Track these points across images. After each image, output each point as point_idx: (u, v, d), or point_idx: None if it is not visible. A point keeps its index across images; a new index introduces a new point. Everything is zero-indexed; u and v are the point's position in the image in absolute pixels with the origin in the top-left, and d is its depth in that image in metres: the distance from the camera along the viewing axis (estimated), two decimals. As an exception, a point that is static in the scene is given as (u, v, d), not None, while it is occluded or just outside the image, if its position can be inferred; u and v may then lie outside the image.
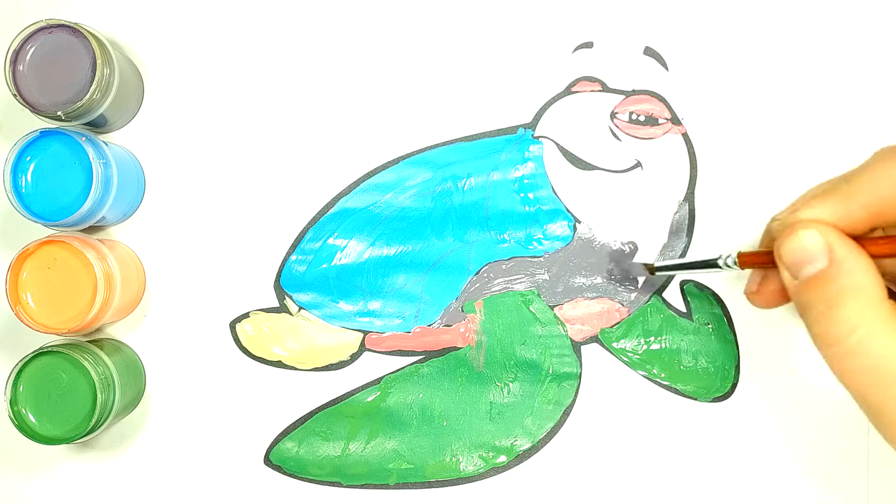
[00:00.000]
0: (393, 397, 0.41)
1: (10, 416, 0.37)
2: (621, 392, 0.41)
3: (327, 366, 0.41)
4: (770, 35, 0.41)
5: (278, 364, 0.41)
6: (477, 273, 0.41)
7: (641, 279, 0.40)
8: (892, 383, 0.26)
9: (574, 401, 0.41)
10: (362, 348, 0.41)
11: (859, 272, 0.27)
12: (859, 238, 0.29)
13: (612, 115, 0.41)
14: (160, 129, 0.42)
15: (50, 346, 0.37)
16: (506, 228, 0.41)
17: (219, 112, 0.42)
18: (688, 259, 0.40)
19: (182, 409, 0.41)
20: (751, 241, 0.40)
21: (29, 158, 0.37)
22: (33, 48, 0.37)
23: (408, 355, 0.41)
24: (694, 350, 0.41)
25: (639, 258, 0.40)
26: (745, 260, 0.34)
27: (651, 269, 0.39)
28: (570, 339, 0.41)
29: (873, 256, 0.28)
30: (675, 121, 0.41)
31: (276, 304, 0.41)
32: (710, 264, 0.35)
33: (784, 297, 0.34)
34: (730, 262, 0.34)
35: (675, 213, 0.41)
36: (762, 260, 0.33)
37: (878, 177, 0.28)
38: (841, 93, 0.41)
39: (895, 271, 0.32)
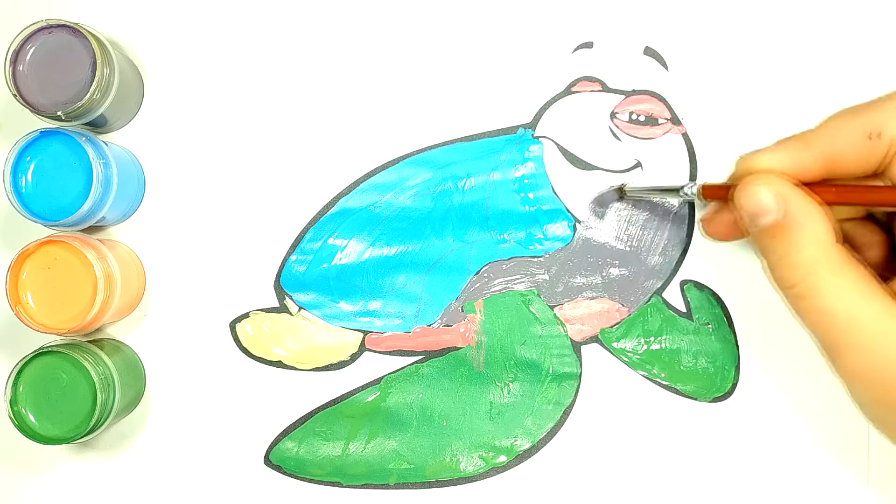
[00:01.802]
0: (393, 397, 0.41)
1: (10, 416, 0.37)
2: (621, 392, 0.41)
3: (327, 366, 0.41)
4: (770, 35, 0.41)
5: (278, 364, 0.41)
6: (477, 273, 0.41)
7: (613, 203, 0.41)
8: (841, 319, 0.29)
9: (574, 401, 0.41)
10: (362, 348, 0.41)
11: (810, 221, 0.30)
12: (813, 185, 0.31)
13: (612, 115, 0.41)
14: (160, 129, 0.42)
15: (50, 346, 0.37)
16: (506, 228, 0.41)
17: (219, 112, 0.42)
18: (656, 184, 0.40)
19: (182, 409, 0.41)
20: (750, 241, 0.40)
21: (29, 158, 0.37)
22: (33, 48, 0.37)
23: (408, 355, 0.41)
24: (694, 350, 0.41)
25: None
26: (706, 192, 0.35)
27: (621, 192, 0.40)
28: (570, 339, 0.41)
29: (826, 203, 0.31)
30: (675, 121, 0.41)
31: (276, 304, 0.41)
32: (674, 190, 0.37)
33: (734, 232, 0.36)
34: (692, 191, 0.36)
35: (675, 213, 0.41)
36: (722, 194, 0.35)
37: (833, 131, 0.31)
38: (841, 93, 0.41)
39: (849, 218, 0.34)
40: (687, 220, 0.41)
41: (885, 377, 0.29)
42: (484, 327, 0.41)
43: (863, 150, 0.30)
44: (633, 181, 0.41)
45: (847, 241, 0.33)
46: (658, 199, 0.40)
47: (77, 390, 0.37)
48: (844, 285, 0.29)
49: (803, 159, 0.31)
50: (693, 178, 0.41)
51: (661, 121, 0.41)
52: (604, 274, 0.41)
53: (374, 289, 0.41)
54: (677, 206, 0.41)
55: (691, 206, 0.41)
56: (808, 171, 0.31)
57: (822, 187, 0.31)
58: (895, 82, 0.40)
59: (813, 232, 0.30)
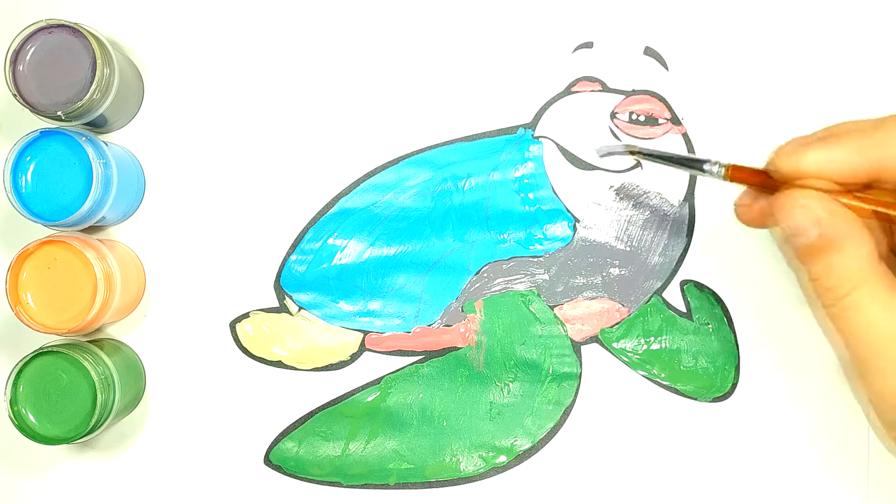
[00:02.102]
0: (393, 397, 0.41)
1: (10, 416, 0.37)
2: (621, 392, 0.41)
3: (327, 366, 0.41)
4: (770, 35, 0.41)
5: (278, 364, 0.41)
6: (477, 273, 0.41)
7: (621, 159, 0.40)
8: (878, 337, 0.29)
9: (574, 401, 0.41)
10: (362, 348, 0.41)
11: (851, 242, 0.29)
12: (859, 194, 0.30)
13: (612, 115, 0.41)
14: (160, 129, 0.42)
15: (50, 346, 0.37)
16: (506, 228, 0.41)
17: (219, 112, 0.42)
18: (674, 151, 0.38)
19: (182, 409, 0.41)
20: (751, 241, 0.40)
21: (29, 158, 0.37)
22: (33, 48, 0.37)
23: (408, 355, 0.41)
24: (694, 350, 0.41)
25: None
26: (735, 175, 0.33)
27: (632, 151, 0.37)
28: (570, 339, 0.41)
29: (871, 215, 0.30)
30: (675, 121, 0.41)
31: (276, 304, 0.41)
32: (696, 166, 0.34)
33: (772, 221, 0.33)
34: (717, 170, 0.33)
35: (675, 213, 0.41)
36: (753, 180, 0.32)
37: (890, 136, 0.29)
38: (841, 92, 0.41)
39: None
40: (687, 220, 0.41)
41: None
42: (484, 327, 0.41)
43: None
44: (649, 145, 0.39)
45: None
46: (671, 167, 0.37)
47: (77, 390, 0.37)
48: (884, 305, 0.29)
49: (854, 164, 0.29)
50: (693, 179, 0.41)
51: (661, 121, 0.41)
52: (604, 274, 0.41)
53: (374, 289, 0.41)
54: (683, 196, 0.40)
55: (692, 206, 0.41)
56: (857, 176, 0.30)
57: (868, 198, 0.30)
58: (895, 82, 0.40)
59: (853, 253, 0.29)
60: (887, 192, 0.31)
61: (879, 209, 0.30)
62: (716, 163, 0.33)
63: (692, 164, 0.34)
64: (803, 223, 0.30)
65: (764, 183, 0.32)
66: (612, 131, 0.41)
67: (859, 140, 0.29)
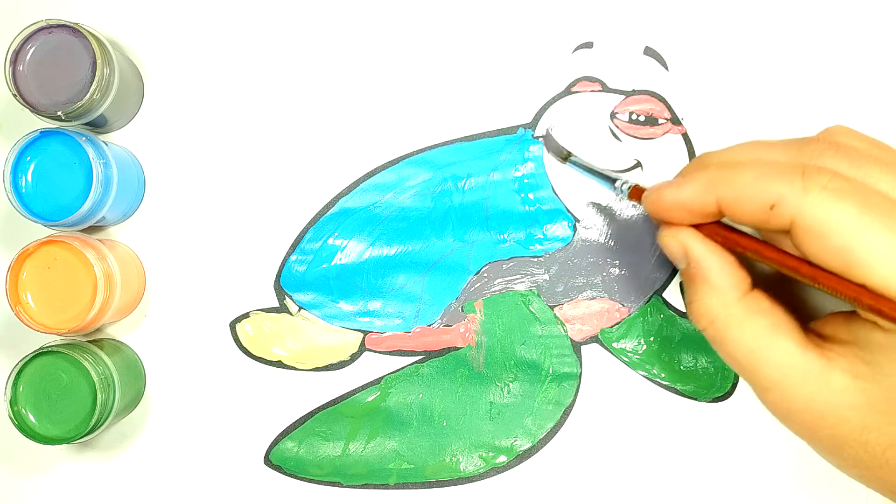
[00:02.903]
0: (393, 397, 0.41)
1: (10, 416, 0.37)
2: (621, 392, 0.41)
3: (327, 366, 0.41)
4: (770, 35, 0.41)
5: (278, 364, 0.41)
6: (477, 273, 0.41)
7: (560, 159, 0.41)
8: (749, 363, 0.31)
9: (574, 401, 0.41)
10: (362, 348, 0.41)
11: (713, 273, 0.31)
12: (712, 227, 0.32)
13: (612, 115, 0.41)
14: (160, 129, 0.42)
15: (50, 346, 0.37)
16: (506, 228, 0.41)
17: (219, 112, 0.42)
18: (598, 167, 0.40)
19: (182, 409, 0.41)
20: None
21: (29, 158, 0.37)
22: (33, 48, 0.37)
23: (408, 355, 0.41)
24: (694, 350, 0.41)
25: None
26: (634, 195, 0.36)
27: (565, 157, 0.40)
28: (570, 339, 0.41)
29: (738, 250, 0.32)
30: (675, 121, 0.41)
31: (276, 304, 0.41)
32: (610, 180, 0.38)
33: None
34: (624, 188, 0.36)
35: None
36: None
37: (739, 186, 0.30)
38: (841, 92, 0.41)
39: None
40: (608, 174, 0.41)
41: (793, 413, 0.30)
42: (484, 327, 0.41)
43: (762, 216, 0.30)
44: (580, 157, 0.40)
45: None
46: (592, 178, 0.40)
47: (77, 390, 0.37)
48: (747, 336, 0.31)
49: (705, 202, 0.31)
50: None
51: (661, 121, 0.41)
52: (604, 274, 0.41)
53: (374, 289, 0.41)
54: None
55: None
56: (709, 213, 0.31)
57: (726, 233, 0.32)
58: (895, 82, 0.41)
59: (716, 284, 0.31)
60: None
61: (739, 249, 0.32)
62: (625, 183, 0.36)
63: (608, 178, 0.38)
64: (675, 252, 0.32)
65: None
66: (612, 131, 0.41)
67: (707, 178, 0.31)
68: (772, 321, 0.31)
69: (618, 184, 0.37)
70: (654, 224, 0.41)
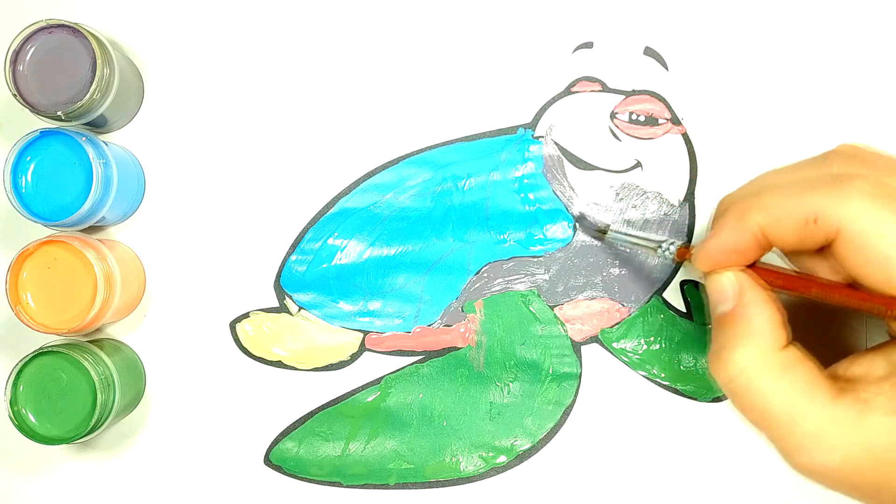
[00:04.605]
0: (393, 397, 0.41)
1: (10, 416, 0.37)
2: (621, 392, 0.41)
3: (327, 366, 0.41)
4: (770, 35, 0.41)
5: (278, 364, 0.41)
6: (477, 273, 0.41)
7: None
8: (778, 420, 0.29)
9: (574, 401, 0.41)
10: (362, 348, 0.41)
11: (758, 320, 0.30)
12: (767, 270, 0.31)
13: (612, 115, 0.41)
14: (160, 129, 0.42)
15: (50, 346, 0.37)
16: (506, 228, 0.41)
17: (219, 112, 0.42)
18: (640, 235, 0.39)
19: (182, 409, 0.41)
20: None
21: (29, 158, 0.37)
22: (33, 48, 0.37)
23: (408, 355, 0.41)
24: (694, 350, 0.41)
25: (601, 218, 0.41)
26: (680, 255, 0.35)
27: (603, 231, 0.39)
28: (570, 339, 0.41)
29: (783, 288, 0.31)
30: (675, 121, 0.41)
31: (276, 304, 0.41)
32: (652, 247, 0.37)
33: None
34: (668, 253, 0.36)
35: (675, 213, 0.41)
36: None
37: (770, 212, 0.30)
38: (841, 92, 0.41)
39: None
40: (687, 220, 0.41)
41: (829, 470, 0.29)
42: (484, 327, 0.41)
43: (802, 233, 0.29)
44: (619, 226, 0.40)
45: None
46: (636, 248, 0.40)
47: (77, 390, 0.37)
48: (784, 389, 0.29)
49: (744, 239, 0.30)
50: (693, 179, 0.41)
51: (661, 121, 0.41)
52: (604, 274, 0.41)
53: (374, 289, 0.41)
54: (683, 196, 0.41)
55: (692, 206, 0.41)
56: (755, 246, 0.31)
57: (772, 274, 0.31)
58: (895, 82, 0.41)
59: (757, 331, 0.30)
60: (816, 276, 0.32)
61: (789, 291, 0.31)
62: (668, 248, 0.36)
63: (651, 246, 0.37)
64: (725, 289, 0.31)
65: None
66: (612, 131, 0.41)
67: (739, 211, 0.30)
68: (809, 374, 0.29)
69: (661, 249, 0.36)
70: (658, 223, 0.41)
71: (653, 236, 0.40)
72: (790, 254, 0.32)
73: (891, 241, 0.27)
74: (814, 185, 0.29)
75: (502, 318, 0.41)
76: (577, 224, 0.41)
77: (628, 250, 0.40)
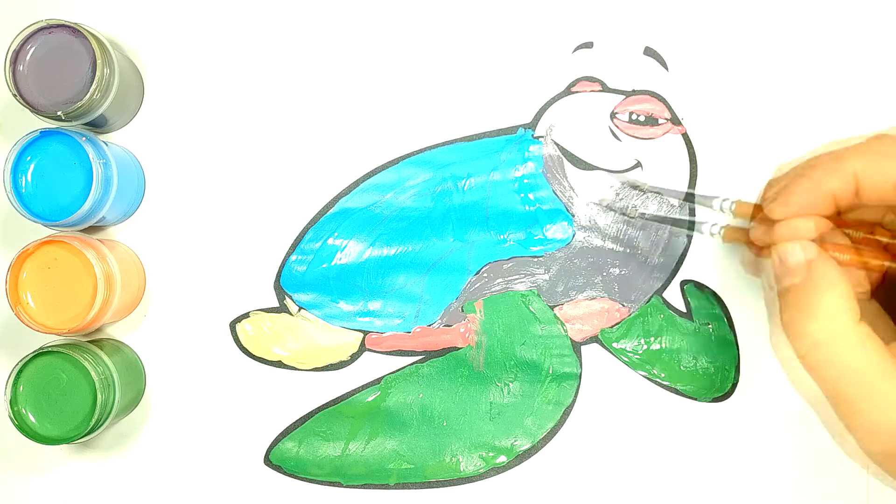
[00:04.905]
0: (393, 397, 0.41)
1: (10, 416, 0.37)
2: (621, 392, 0.41)
3: (327, 366, 0.41)
4: (770, 35, 0.41)
5: (278, 364, 0.41)
6: (477, 273, 0.41)
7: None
8: (854, 381, 0.30)
9: (574, 401, 0.41)
10: (362, 348, 0.41)
11: (832, 291, 0.31)
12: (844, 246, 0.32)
13: (612, 115, 0.41)
14: (160, 129, 0.42)
15: (50, 346, 0.37)
16: (506, 228, 0.41)
17: (219, 112, 0.42)
18: (674, 214, 0.40)
19: (182, 409, 0.41)
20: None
21: (29, 158, 0.37)
22: (33, 48, 0.37)
23: (408, 355, 0.41)
24: (694, 350, 0.41)
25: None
26: (741, 211, 0.36)
27: (632, 212, 0.40)
28: (570, 339, 0.41)
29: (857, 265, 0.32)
30: (675, 121, 0.41)
31: (276, 304, 0.41)
32: (693, 225, 0.38)
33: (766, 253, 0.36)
34: (715, 230, 0.37)
35: (675, 213, 0.41)
36: (744, 238, 0.35)
37: (860, 176, 0.31)
38: (841, 93, 0.41)
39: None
40: (687, 220, 0.41)
41: None
42: (484, 327, 0.41)
43: (891, 195, 0.30)
44: (649, 208, 0.40)
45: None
46: (668, 226, 0.40)
47: (77, 390, 0.37)
48: (861, 359, 0.30)
49: (845, 183, 0.31)
50: (693, 179, 0.41)
51: (661, 121, 0.41)
52: (604, 274, 0.41)
53: (374, 289, 0.41)
54: (683, 196, 0.41)
55: (692, 206, 0.41)
56: (846, 199, 0.31)
57: (855, 248, 0.32)
58: (894, 82, 0.40)
59: (832, 304, 0.31)
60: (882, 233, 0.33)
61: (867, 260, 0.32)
62: (714, 225, 0.36)
63: (691, 226, 0.38)
64: (797, 264, 0.32)
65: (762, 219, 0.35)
66: (612, 131, 0.41)
67: (836, 159, 0.31)
68: (880, 348, 0.30)
69: (706, 227, 0.37)
70: (658, 222, 0.41)
71: (689, 217, 0.40)
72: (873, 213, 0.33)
73: None
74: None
75: (502, 318, 0.41)
76: (604, 207, 0.41)
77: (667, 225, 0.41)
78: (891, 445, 0.30)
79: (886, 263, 0.32)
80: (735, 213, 0.37)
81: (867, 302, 0.35)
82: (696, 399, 0.41)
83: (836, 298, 0.31)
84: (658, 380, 0.41)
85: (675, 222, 0.39)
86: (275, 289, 0.41)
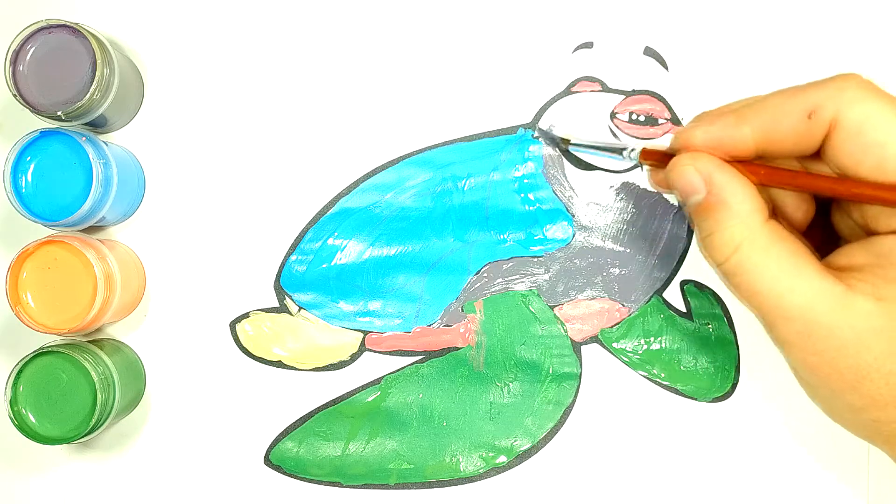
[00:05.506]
0: (393, 397, 0.41)
1: (10, 416, 0.37)
2: (621, 392, 0.41)
3: (327, 366, 0.41)
4: (770, 35, 0.41)
5: (278, 364, 0.41)
6: (477, 273, 0.41)
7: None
8: (771, 292, 0.29)
9: (574, 401, 0.41)
10: (362, 348, 0.41)
11: (736, 199, 0.30)
12: (745, 164, 0.31)
13: (612, 115, 0.41)
14: (160, 129, 0.42)
15: (50, 346, 0.37)
16: (506, 228, 0.41)
17: (219, 112, 0.42)
18: (601, 142, 0.40)
19: (182, 409, 0.41)
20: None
21: (29, 158, 0.37)
22: (33, 48, 0.37)
23: (408, 355, 0.41)
24: (694, 350, 0.41)
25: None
26: (646, 155, 0.35)
27: (565, 142, 0.40)
28: (570, 339, 0.41)
29: (756, 184, 0.31)
30: (675, 121, 0.41)
31: (276, 304, 0.41)
32: (618, 151, 0.37)
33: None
34: (633, 155, 0.35)
35: (674, 213, 0.41)
36: (661, 159, 0.34)
37: (771, 108, 0.30)
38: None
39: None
40: (687, 220, 0.41)
41: (814, 343, 0.29)
42: (484, 327, 0.41)
43: (800, 130, 0.30)
44: (580, 136, 0.40)
45: (775, 206, 0.33)
46: (600, 156, 0.40)
47: (77, 390, 0.37)
48: (772, 262, 0.29)
49: (739, 134, 0.31)
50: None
51: (661, 121, 0.41)
52: (604, 274, 0.41)
53: (374, 289, 0.41)
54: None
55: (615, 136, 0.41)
56: (744, 146, 0.31)
57: (753, 167, 0.31)
58: (895, 82, 0.40)
59: (739, 210, 0.30)
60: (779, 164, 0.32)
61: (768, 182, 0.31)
62: (633, 150, 0.35)
63: (615, 150, 0.37)
64: (694, 179, 0.31)
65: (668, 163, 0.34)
66: (612, 131, 0.41)
67: (740, 114, 0.31)
68: (794, 247, 0.30)
69: (626, 152, 0.36)
70: (658, 223, 0.41)
71: (616, 143, 0.40)
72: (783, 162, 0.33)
73: (884, 128, 0.28)
74: (813, 85, 0.30)
75: (502, 318, 0.41)
76: (539, 138, 0.41)
77: (592, 161, 0.41)
78: (807, 356, 0.29)
79: (802, 180, 0.31)
80: (642, 158, 0.35)
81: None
82: (696, 399, 0.41)
83: (740, 203, 0.30)
84: (658, 380, 0.41)
85: (602, 150, 0.38)
86: (275, 289, 0.41)
